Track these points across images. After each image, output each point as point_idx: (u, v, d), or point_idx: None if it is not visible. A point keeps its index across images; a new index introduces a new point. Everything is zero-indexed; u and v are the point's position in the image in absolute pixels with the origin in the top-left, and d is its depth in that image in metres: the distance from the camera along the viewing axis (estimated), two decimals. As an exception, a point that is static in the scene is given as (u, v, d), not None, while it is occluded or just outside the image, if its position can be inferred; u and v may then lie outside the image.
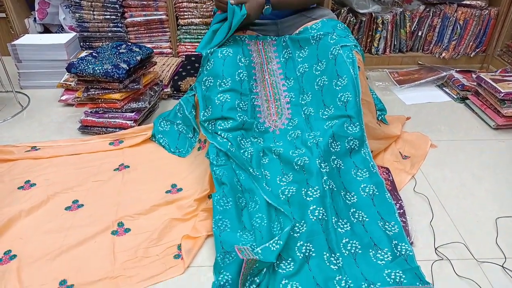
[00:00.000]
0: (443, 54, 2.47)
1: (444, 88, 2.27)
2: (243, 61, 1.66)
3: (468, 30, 2.40)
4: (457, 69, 2.33)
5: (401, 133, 1.84)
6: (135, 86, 1.83)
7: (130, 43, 2.00)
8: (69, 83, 2.09)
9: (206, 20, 2.38)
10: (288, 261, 1.20)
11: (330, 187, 1.35)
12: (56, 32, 2.65)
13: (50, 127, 1.96)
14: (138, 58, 1.85)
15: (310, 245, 1.23)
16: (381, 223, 1.31)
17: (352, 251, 1.24)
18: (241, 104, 1.59)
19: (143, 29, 2.45)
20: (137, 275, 1.19)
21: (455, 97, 2.19)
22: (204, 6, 2.39)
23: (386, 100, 2.10)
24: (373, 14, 2.41)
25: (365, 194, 1.39)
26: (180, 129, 1.79)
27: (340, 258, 1.21)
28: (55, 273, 1.19)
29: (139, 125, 1.89)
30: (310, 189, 1.33)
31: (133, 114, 1.85)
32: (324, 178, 1.35)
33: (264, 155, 1.53)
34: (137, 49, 1.93)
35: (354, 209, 1.35)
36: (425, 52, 2.54)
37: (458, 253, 1.26)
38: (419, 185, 1.55)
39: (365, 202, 1.36)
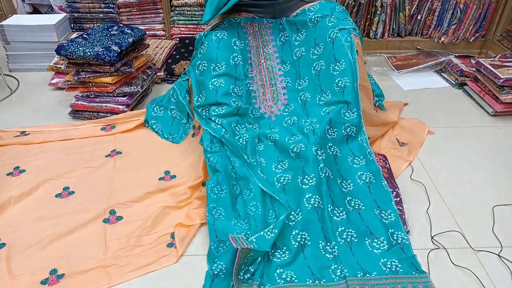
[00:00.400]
0: (442, 39, 2.42)
1: (442, 74, 2.24)
2: (238, 44, 1.61)
3: (468, 14, 2.36)
4: (456, 54, 2.29)
5: (398, 119, 1.81)
6: (127, 70, 1.77)
7: (122, 25, 1.94)
8: (59, 66, 2.03)
9: (200, 0, 2.30)
10: (283, 250, 1.18)
11: (326, 174, 1.33)
12: (45, 13, 2.57)
13: (40, 112, 1.91)
14: (130, 40, 1.79)
15: (306, 234, 1.21)
16: (378, 211, 1.29)
17: (348, 239, 1.22)
18: (235, 89, 1.55)
19: (136, 10, 2.38)
20: (129, 264, 1.17)
21: (454, 82, 2.15)
22: (198, -14, 2.31)
23: (383, 86, 2.06)
24: (372, -4, 2.35)
25: (362, 182, 1.36)
26: (174, 115, 1.75)
27: (336, 247, 1.19)
28: (45, 262, 1.17)
29: (131, 110, 1.85)
30: (306, 176, 1.31)
31: (125, 98, 1.81)
32: (320, 165, 1.32)
33: (260, 141, 1.50)
34: (129, 31, 1.87)
35: (350, 197, 1.33)
36: (424, 36, 2.49)
37: (455, 242, 1.25)
38: (416, 173, 1.53)
39: (362, 190, 1.34)
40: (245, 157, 1.38)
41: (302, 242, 1.19)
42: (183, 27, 2.41)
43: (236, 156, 1.40)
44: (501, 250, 1.22)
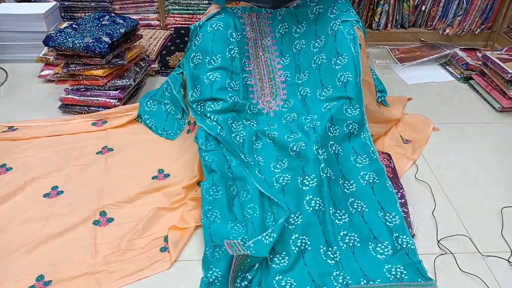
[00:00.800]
0: (447, 31, 2.34)
1: (447, 67, 2.16)
2: (234, 36, 1.52)
3: (475, 5, 2.27)
4: (462, 47, 2.21)
5: (402, 115, 1.74)
6: (119, 62, 1.69)
7: (113, 14, 1.85)
8: (49, 57, 1.94)
9: (196, -11, 2.21)
10: (282, 255, 1.12)
11: (328, 175, 1.26)
12: (35, 1, 2.46)
13: (29, 105, 1.83)
14: (122, 30, 1.71)
15: (306, 238, 1.15)
16: (381, 213, 1.23)
17: (351, 244, 1.16)
18: (232, 84, 1.47)
19: (129, -2, 2.28)
20: (120, 270, 1.11)
21: (459, 76, 2.08)
22: (194, -26, 2.22)
23: (386, 79, 1.99)
24: (375, -14, 2.27)
25: (365, 182, 1.30)
26: (168, 110, 1.67)
27: (338, 252, 1.14)
28: (31, 268, 1.11)
29: (124, 104, 1.77)
30: (307, 177, 1.24)
31: (117, 92, 1.73)
32: (322, 165, 1.26)
33: (257, 139, 1.43)
34: (121, 21, 1.78)
35: (353, 199, 1.27)
36: (428, 28, 2.41)
37: (462, 246, 1.20)
38: (420, 172, 1.47)
39: (365, 191, 1.28)
40: (242, 157, 1.31)
41: (302, 247, 1.13)
42: (178, 17, 2.32)
43: (233, 155, 1.33)
44: (510, 255, 1.17)
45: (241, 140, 1.39)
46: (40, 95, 1.90)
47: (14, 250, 1.15)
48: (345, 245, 1.16)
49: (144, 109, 1.68)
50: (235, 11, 1.57)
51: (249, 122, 1.48)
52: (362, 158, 1.35)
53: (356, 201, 1.26)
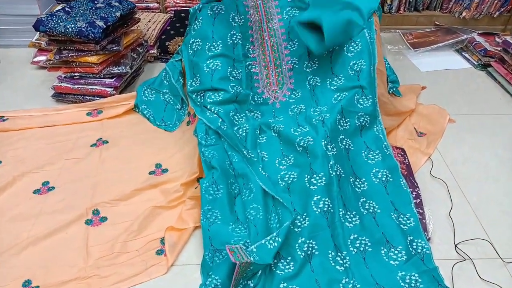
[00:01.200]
0: (464, 14, 2.20)
1: (463, 53, 2.04)
2: (236, 20, 1.41)
3: (494, -14, 2.13)
4: (479, 32, 2.07)
5: (416, 106, 1.63)
6: (115, 48, 1.59)
7: (109, -3, 1.73)
8: (42, 42, 1.84)
9: (197, -30, 2.09)
10: (288, 261, 1.04)
11: (338, 173, 1.17)
12: (28, -18, 2.34)
13: (22, 93, 1.74)
14: (118, 14, 1.60)
15: (313, 242, 1.06)
16: (395, 215, 1.14)
17: (361, 249, 1.08)
18: (234, 73, 1.37)
19: (127, -21, 2.16)
20: (113, 274, 1.03)
21: (476, 63, 1.96)
22: (195, -47, 2.09)
23: (398, 66, 1.88)
24: (387, -35, 2.12)
25: (377, 180, 1.21)
26: (167, 99, 1.58)
27: (347, 257, 1.05)
28: (19, 271, 1.04)
29: (120, 93, 1.67)
30: (315, 175, 1.15)
31: (113, 80, 1.63)
32: (331, 162, 1.16)
33: (261, 132, 1.34)
34: (117, 4, 1.67)
35: (364, 199, 1.17)
36: (443, 11, 2.27)
37: (482, 251, 1.11)
38: (436, 168, 1.37)
39: (377, 190, 1.19)
40: (245, 152, 1.22)
41: (309, 252, 1.05)
42: (178, -1, 2.20)
43: (235, 150, 1.24)
44: (535, 262, 1.08)
45: (244, 134, 1.30)
46: (33, 83, 1.81)
47: (1, 251, 1.08)
48: (355, 250, 1.07)
49: (141, 98, 1.59)
50: (238, -8, 1.46)
51: (252, 113, 1.38)
52: (374, 154, 1.25)
53: (368, 201, 1.17)
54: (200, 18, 1.39)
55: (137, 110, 1.59)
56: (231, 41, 1.38)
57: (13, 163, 1.36)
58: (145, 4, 2.17)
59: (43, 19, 1.53)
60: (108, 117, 1.57)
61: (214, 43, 1.36)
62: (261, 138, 1.32)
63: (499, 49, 1.86)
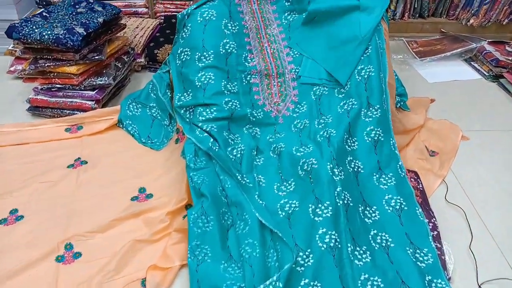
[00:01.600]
0: (471, 21, 2.09)
1: (472, 63, 1.92)
2: (230, 27, 1.28)
3: (504, -8, 2.02)
4: (489, 40, 1.96)
5: (425, 121, 1.50)
6: (96, 57, 1.45)
7: (92, 1, 1.59)
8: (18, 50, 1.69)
9: (189, -27, 1.95)
10: (289, 307, 0.89)
11: (345, 201, 1.03)
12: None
13: (-5, 106, 1.59)
14: (100, 20, 1.46)
15: (319, 284, 0.92)
16: (411, 250, 1.00)
17: (374, 292, 0.93)
18: (229, 86, 1.23)
19: (114, -18, 2.02)
20: (85, 325, 0.88)
21: (487, 74, 1.84)
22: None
23: (404, 77, 1.75)
24: (391, -30, 2.00)
25: (391, 209, 1.07)
26: (154, 114, 1.43)
27: (358, 303, 0.91)
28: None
29: (103, 106, 1.53)
30: (320, 205, 1.01)
31: (94, 92, 1.48)
32: (338, 189, 1.02)
33: (259, 153, 1.20)
34: (100, 9, 1.53)
35: (375, 231, 1.03)
36: (449, 17, 2.15)
37: (509, 293, 0.97)
38: (451, 192, 1.24)
39: (390, 220, 1.05)
40: (239, 177, 1.07)
41: (313, 296, 0.91)
42: (169, 4, 2.06)
43: (228, 174, 1.10)
44: None
45: (239, 155, 1.16)
46: (8, 95, 1.66)
47: (-43, 294, 0.93)
48: (366, 293, 0.93)
49: (126, 113, 1.44)
50: (231, -3, 1.32)
51: (251, 129, 1.24)
52: (387, 178, 1.11)
53: (380, 234, 1.03)
54: (189, 25, 1.25)
55: (121, 125, 1.44)
56: (223, 51, 1.24)
57: (-23, 187, 1.21)
58: (133, 9, 2.03)
59: (17, 25, 1.39)
60: (89, 134, 1.42)
61: (205, 53, 1.22)
62: (258, 159, 1.18)
63: (511, 58, 1.74)
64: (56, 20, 1.44)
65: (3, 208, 1.15)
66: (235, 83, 1.26)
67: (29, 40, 1.37)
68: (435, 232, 1.06)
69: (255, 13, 1.39)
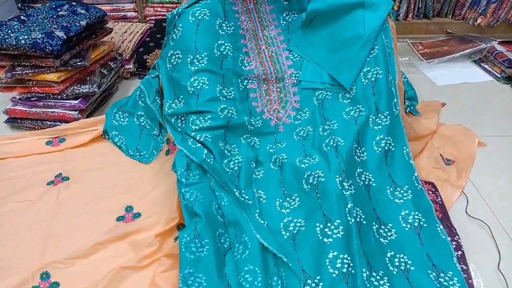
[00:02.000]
0: (479, 20, 1.99)
1: (482, 64, 1.81)
2: (224, 27, 1.17)
3: (512, -10, 1.92)
4: (499, 40, 1.85)
5: (437, 126, 1.39)
6: (79, 63, 1.33)
7: (74, 3, 1.48)
8: (-3, 57, 1.57)
9: (181, -25, 1.85)
10: None
11: (358, 219, 0.91)
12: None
13: (-30, 118, 1.46)
14: (83, 23, 1.35)
15: (331, 318, 0.80)
16: (434, 273, 0.88)
17: (394, 324, 0.81)
18: (224, 91, 1.12)
19: (101, -14, 1.92)
20: None
21: (499, 76, 1.73)
22: (178, -44, 1.86)
23: (412, 80, 1.64)
24: (393, -32, 1.91)
25: (408, 226, 0.95)
26: (142, 123, 1.31)
27: (377, 338, 0.78)
28: None
29: (87, 117, 1.41)
30: (329, 224, 0.89)
31: (77, 101, 1.37)
32: (349, 205, 0.90)
33: (258, 165, 1.08)
34: (83, 11, 1.42)
35: (392, 252, 0.91)
36: (456, 17, 2.06)
37: (549, 321, 0.85)
38: (472, 205, 1.12)
39: (409, 239, 0.93)
40: (236, 193, 0.95)
41: (325, 332, 0.78)
42: (159, 7, 1.96)
43: (224, 190, 0.98)
44: None
45: (236, 168, 1.04)
46: (-14, 105, 1.53)
47: None
48: (386, 326, 0.81)
49: (111, 123, 1.32)
50: (225, -4, 1.22)
51: (249, 139, 1.12)
52: (402, 191, 1.00)
53: (398, 255, 0.91)
54: (180, 25, 1.14)
55: (106, 137, 1.32)
56: (218, 53, 1.13)
57: None
58: (122, 13, 1.93)
59: (-9, 29, 1.27)
60: (72, 147, 1.30)
61: (197, 56, 1.11)
62: (258, 172, 1.06)
63: (524, 59, 1.64)
64: (35, 24, 1.33)
65: (-27, 232, 1.02)
66: (231, 88, 1.15)
67: (4, 46, 1.26)
68: (460, 252, 0.94)
69: (251, 13, 1.28)
